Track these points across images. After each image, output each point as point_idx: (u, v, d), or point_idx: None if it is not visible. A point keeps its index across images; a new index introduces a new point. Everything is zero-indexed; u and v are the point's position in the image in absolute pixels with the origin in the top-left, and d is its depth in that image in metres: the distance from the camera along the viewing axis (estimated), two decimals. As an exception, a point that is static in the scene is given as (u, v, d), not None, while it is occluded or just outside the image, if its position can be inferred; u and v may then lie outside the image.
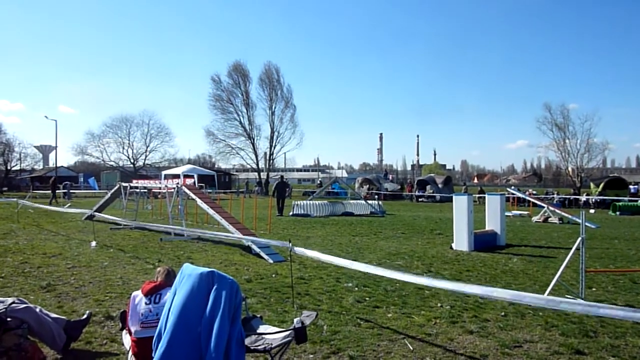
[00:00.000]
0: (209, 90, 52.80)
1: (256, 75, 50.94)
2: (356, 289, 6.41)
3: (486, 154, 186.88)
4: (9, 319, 3.73)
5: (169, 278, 3.47)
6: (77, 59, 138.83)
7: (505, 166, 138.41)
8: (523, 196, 23.92)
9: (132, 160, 60.06)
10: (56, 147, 50.97)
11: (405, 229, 14.57)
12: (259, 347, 3.25)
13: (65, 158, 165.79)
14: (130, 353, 3.40)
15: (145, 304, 3.37)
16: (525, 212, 21.92)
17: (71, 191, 33.10)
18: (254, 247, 8.95)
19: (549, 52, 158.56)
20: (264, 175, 51.31)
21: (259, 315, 3.89)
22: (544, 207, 19.15)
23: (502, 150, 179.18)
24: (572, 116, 43.23)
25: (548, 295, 5.68)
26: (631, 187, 32.03)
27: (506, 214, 14.37)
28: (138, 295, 3.47)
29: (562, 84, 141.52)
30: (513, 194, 24.09)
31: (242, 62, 50.57)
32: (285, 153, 54.12)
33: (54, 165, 50.60)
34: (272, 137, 49.92)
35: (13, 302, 3.89)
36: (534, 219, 18.74)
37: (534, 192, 35.19)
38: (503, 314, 5.32)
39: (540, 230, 14.88)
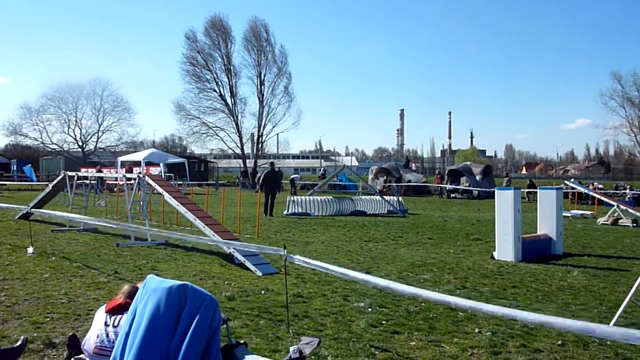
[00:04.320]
0: (181, 51, 52.53)
1: (240, 35, 50.85)
2: (370, 309, 6.42)
3: (537, 137, 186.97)
4: None
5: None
6: (8, 16, 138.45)
7: (563, 153, 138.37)
8: (586, 191, 23.90)
9: (80, 143, 60.25)
10: (-19, 125, 51.09)
11: (433, 233, 14.58)
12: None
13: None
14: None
15: (105, 324, 3.42)
16: (589, 212, 21.89)
17: (1, 182, 33.16)
18: (237, 255, 8.96)
19: (616, 6, 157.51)
20: (250, 163, 51.36)
21: (243, 342, 3.89)
22: (613, 205, 19.12)
23: (558, 132, 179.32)
24: (650, 88, 43.13)
25: (618, 318, 5.67)
26: None
27: (564, 214, 14.35)
28: (101, 310, 3.54)
29: (636, 46, 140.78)
30: (573, 188, 24.05)
31: (223, 17, 50.44)
32: (278, 134, 54.22)
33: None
34: (260, 114, 49.93)
35: None
36: (600, 220, 18.72)
37: (600, 185, 35.15)
38: (560, 342, 5.32)
39: (608, 236, 14.87)
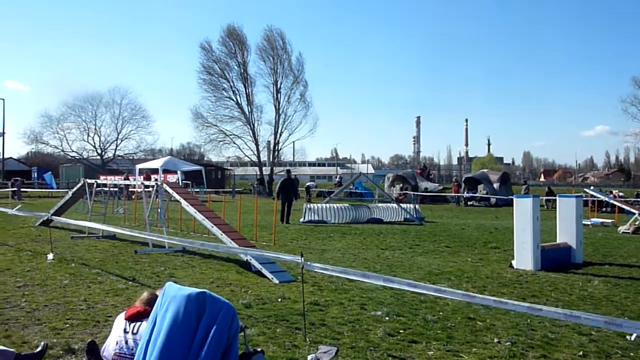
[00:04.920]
0: (198, 60, 53.12)
1: (256, 43, 51.26)
2: (387, 318, 6.38)
3: (556, 144, 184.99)
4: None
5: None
6: (27, 24, 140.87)
7: (582, 160, 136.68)
8: (606, 199, 23.57)
9: (99, 151, 61.05)
10: (3, 133, 51.90)
11: (450, 242, 14.47)
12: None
13: (14, 147, 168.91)
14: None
15: (124, 331, 3.46)
16: (609, 220, 21.58)
17: (22, 190, 33.67)
18: (254, 262, 8.97)
19: (635, 11, 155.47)
20: (267, 170, 51.56)
21: (260, 350, 3.89)
22: (634, 213, 18.84)
23: (577, 139, 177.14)
24: (671, 94, 42.54)
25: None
26: None
27: (584, 222, 14.17)
28: (120, 317, 3.58)
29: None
30: (593, 195, 23.74)
31: (238, 26, 50.91)
32: (294, 142, 54.35)
33: (1, 157, 51.59)
34: (277, 122, 50.14)
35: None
36: (621, 229, 18.44)
37: (621, 193, 34.65)
38: (581, 353, 5.23)
39: (630, 244, 14.62)
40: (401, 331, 5.85)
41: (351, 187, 35.62)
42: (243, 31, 50.88)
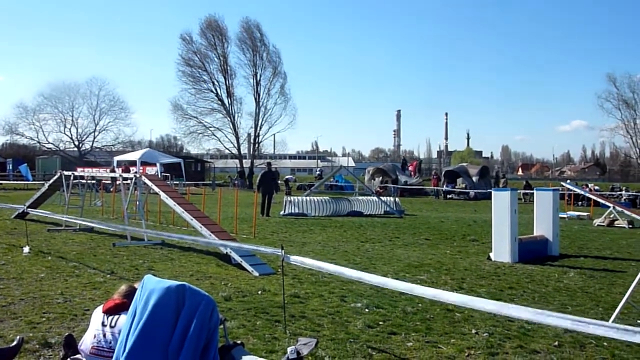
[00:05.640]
0: (177, 52, 52.38)
1: (235, 35, 50.79)
2: (367, 310, 6.42)
3: (534, 138, 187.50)
4: None
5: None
6: (2, 14, 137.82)
7: (559, 154, 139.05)
8: (582, 192, 23.97)
9: (76, 143, 60.13)
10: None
11: (429, 234, 14.59)
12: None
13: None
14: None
15: (102, 324, 3.43)
16: (585, 213, 21.95)
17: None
18: (234, 255, 8.95)
19: (610, 8, 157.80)
20: (247, 163, 51.33)
21: (240, 343, 3.89)
22: (609, 206, 19.18)
23: (554, 133, 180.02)
24: (645, 90, 43.35)
25: (614, 320, 5.68)
26: None
27: (560, 215, 14.38)
28: (98, 311, 3.55)
29: (630, 47, 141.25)
30: (569, 189, 24.13)
31: (218, 17, 50.39)
32: (274, 135, 54.12)
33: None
34: (257, 114, 49.87)
35: None
36: (596, 222, 18.77)
37: (596, 187, 35.29)
38: (556, 343, 5.33)
39: (605, 237, 14.90)
40: (380, 323, 5.90)
41: (332, 179, 35.65)
42: (224, 22, 50.38)
